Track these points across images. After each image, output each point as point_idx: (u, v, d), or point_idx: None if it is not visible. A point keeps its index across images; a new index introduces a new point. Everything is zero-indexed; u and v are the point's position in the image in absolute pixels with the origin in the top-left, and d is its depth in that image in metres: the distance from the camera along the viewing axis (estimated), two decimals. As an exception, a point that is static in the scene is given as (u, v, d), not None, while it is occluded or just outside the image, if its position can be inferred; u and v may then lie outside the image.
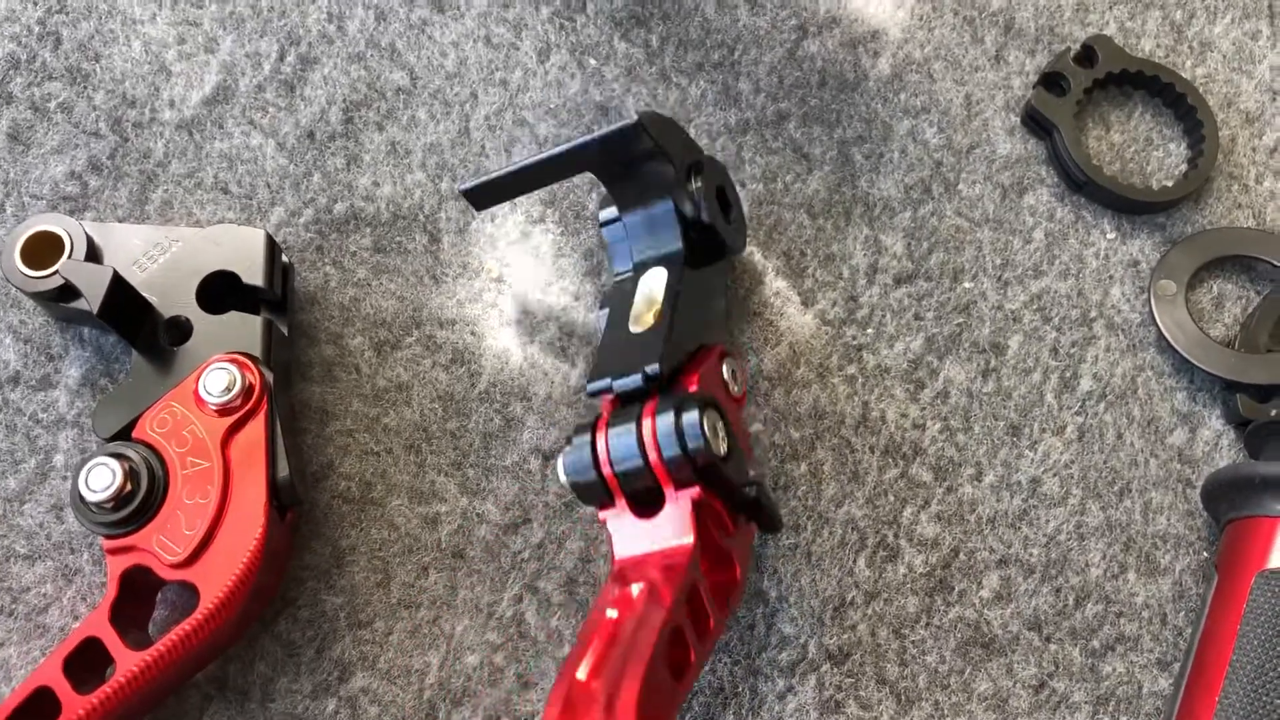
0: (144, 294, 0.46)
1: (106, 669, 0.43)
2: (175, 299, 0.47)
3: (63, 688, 0.41)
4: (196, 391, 0.44)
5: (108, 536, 0.43)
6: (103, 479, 0.42)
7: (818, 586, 0.47)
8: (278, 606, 0.46)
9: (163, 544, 0.42)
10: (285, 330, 0.48)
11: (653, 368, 0.41)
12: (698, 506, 0.40)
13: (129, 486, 0.42)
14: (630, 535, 0.41)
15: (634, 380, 0.42)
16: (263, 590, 0.44)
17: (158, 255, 0.47)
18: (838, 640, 0.47)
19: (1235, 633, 0.43)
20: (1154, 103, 0.56)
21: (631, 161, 0.44)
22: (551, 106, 0.54)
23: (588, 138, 0.43)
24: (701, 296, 0.46)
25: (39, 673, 0.41)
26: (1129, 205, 0.54)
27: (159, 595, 0.45)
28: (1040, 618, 0.48)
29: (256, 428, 0.44)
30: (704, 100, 0.54)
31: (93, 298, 0.44)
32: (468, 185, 0.46)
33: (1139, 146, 0.55)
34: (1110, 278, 0.53)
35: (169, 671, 0.42)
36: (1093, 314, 0.52)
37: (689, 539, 0.40)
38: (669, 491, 0.40)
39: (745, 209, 0.52)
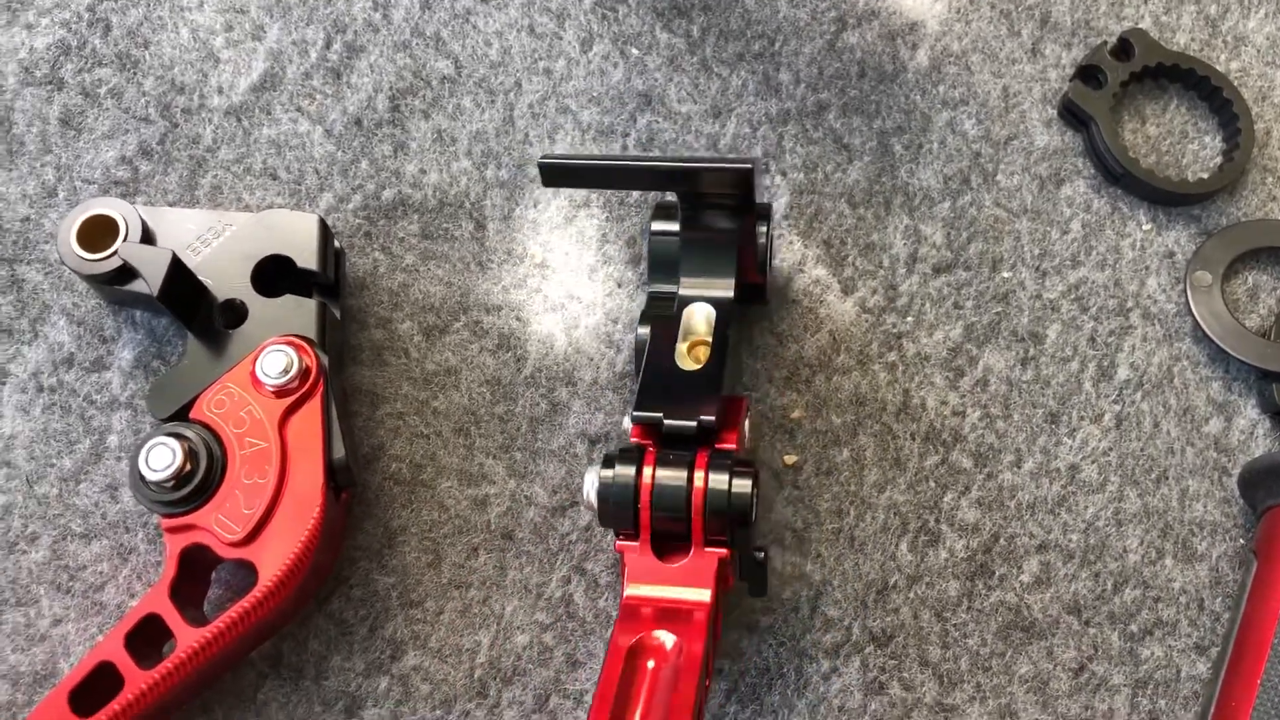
0: (199, 277, 0.46)
1: (165, 645, 0.43)
2: (229, 282, 0.47)
3: (125, 662, 0.42)
4: (254, 373, 0.44)
5: (167, 515, 0.43)
6: (163, 458, 0.43)
7: (860, 570, 0.48)
8: (331, 586, 0.46)
9: (221, 523, 0.43)
10: (338, 314, 0.48)
11: (709, 419, 0.41)
12: (721, 564, 0.41)
13: (188, 466, 0.43)
14: (646, 572, 0.41)
15: (688, 425, 0.42)
16: (319, 569, 0.44)
17: (211, 239, 0.48)
18: (881, 623, 0.47)
19: (1276, 617, 0.43)
20: (1189, 96, 0.56)
21: (716, 199, 0.44)
22: (595, 95, 0.54)
23: (697, 165, 0.43)
24: (737, 343, 0.46)
25: (101, 648, 0.42)
26: (1165, 197, 0.54)
27: (213, 574, 0.46)
28: (1079, 602, 0.48)
29: (313, 409, 0.45)
30: (745, 90, 0.54)
31: (152, 280, 0.44)
32: (550, 160, 0.43)
33: (1174, 139, 0.56)
34: (1146, 268, 0.53)
35: (228, 647, 0.42)
36: (1129, 304, 0.53)
37: (707, 593, 0.41)
38: (697, 543, 0.41)
39: (786, 199, 0.53)
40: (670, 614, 0.41)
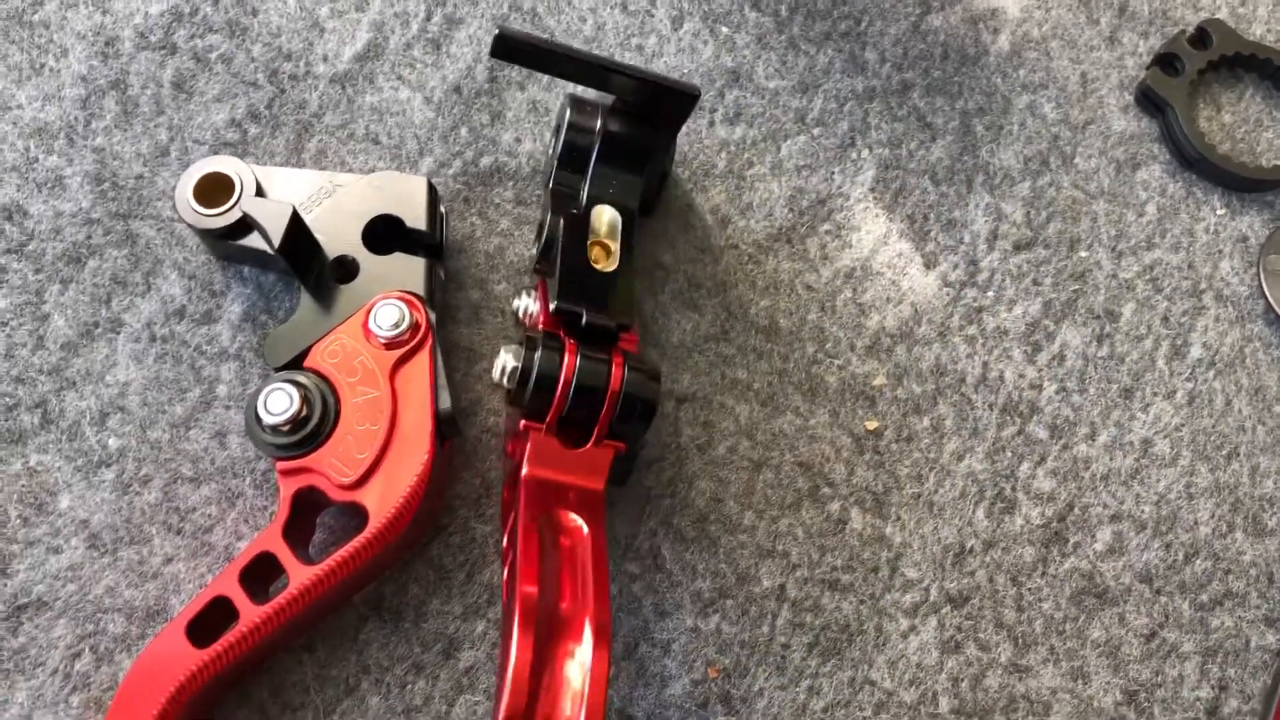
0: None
1: (275, 583, 0.45)
2: (340, 239, 0.48)
3: (239, 597, 0.43)
4: (366, 325, 0.46)
5: (282, 459, 0.45)
6: (280, 403, 0.44)
7: (939, 534, 0.49)
8: (431, 533, 0.48)
9: (335, 466, 0.44)
10: (443, 274, 0.50)
11: (626, 320, 0.44)
12: (615, 458, 0.44)
13: (304, 410, 0.44)
14: (549, 457, 0.43)
15: (607, 324, 0.44)
16: (423, 516, 0.46)
17: (321, 198, 0.49)
18: (958, 585, 0.48)
19: (1350, 586, 0.44)
20: (1265, 85, 0.57)
21: (652, 114, 0.46)
22: (685, 71, 0.55)
23: (652, 76, 0.45)
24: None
25: (216, 583, 0.43)
26: (1239, 183, 0.55)
27: (319, 520, 0.47)
28: (1151, 571, 0.49)
29: (421, 362, 0.46)
30: (831, 68, 0.55)
31: (274, 233, 0.45)
32: (507, 31, 0.43)
33: (1249, 127, 0.56)
34: (1220, 252, 0.54)
35: (336, 586, 0.43)
36: (1203, 286, 0.53)
37: (600, 483, 0.43)
38: (600, 435, 0.43)
39: (872, 173, 0.54)
40: (570, 498, 0.43)
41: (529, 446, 0.43)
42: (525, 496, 0.43)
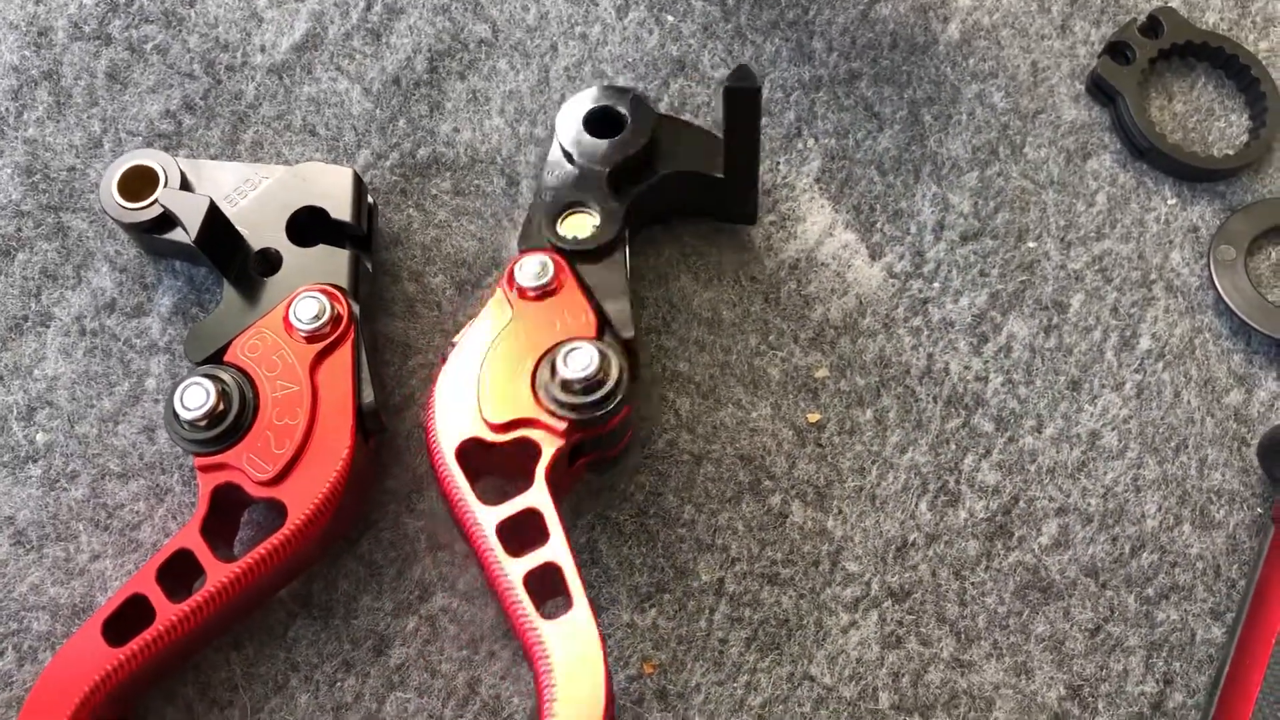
0: (236, 226, 0.46)
1: (195, 581, 0.43)
2: (265, 232, 0.46)
3: (156, 596, 0.41)
4: (287, 318, 0.44)
5: (199, 454, 0.42)
6: (197, 398, 0.42)
7: (881, 528, 0.47)
8: (361, 529, 0.46)
9: (253, 462, 0.42)
10: (369, 266, 0.47)
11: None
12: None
13: (221, 406, 0.42)
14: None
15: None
16: (346, 511, 0.43)
17: (247, 190, 0.47)
18: (899, 579, 0.46)
19: (1295, 581, 0.42)
20: (1217, 74, 0.55)
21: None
22: (630, 60, 0.53)
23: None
24: None
25: (134, 581, 0.41)
26: (1190, 173, 0.53)
27: (244, 516, 0.45)
28: (1097, 565, 0.47)
29: (343, 355, 0.44)
30: (779, 56, 0.53)
31: (190, 226, 0.43)
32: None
33: (1201, 116, 0.54)
34: (1170, 242, 0.52)
35: (256, 583, 0.41)
36: (1153, 276, 0.51)
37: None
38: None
39: (818, 163, 0.52)
40: None
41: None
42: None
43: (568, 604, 0.38)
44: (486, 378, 0.42)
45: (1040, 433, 0.49)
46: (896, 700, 0.45)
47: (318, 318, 0.43)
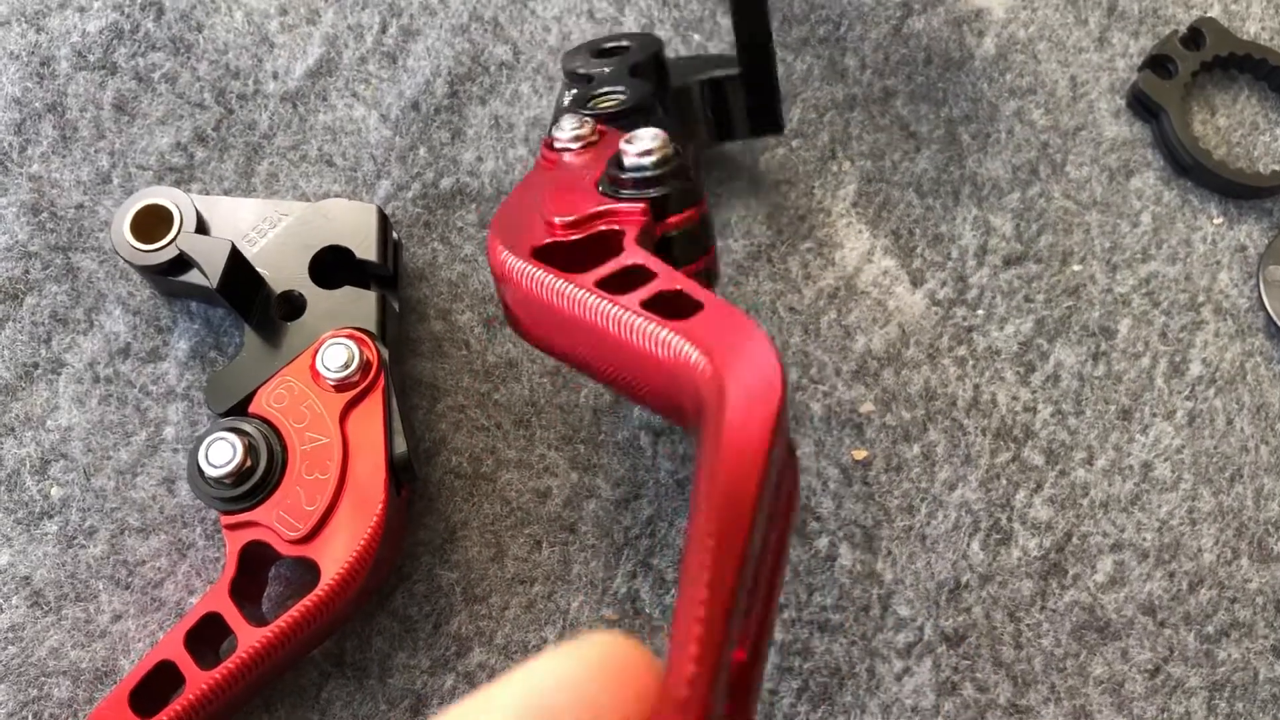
0: (256, 268, 0.43)
1: (224, 644, 0.40)
2: (286, 273, 0.44)
3: (185, 662, 0.39)
4: (314, 367, 0.41)
5: (227, 512, 0.40)
6: (223, 454, 0.40)
7: (933, 569, 0.45)
8: (393, 582, 0.43)
9: (283, 519, 0.40)
10: (396, 306, 0.45)
11: None
12: None
13: (249, 461, 0.40)
14: None
15: None
16: (381, 566, 0.41)
17: (266, 229, 0.45)
18: (953, 622, 0.44)
19: (1369, 622, 0.40)
20: (1260, 86, 0.53)
21: None
22: (656, 82, 0.50)
23: None
24: None
25: (161, 647, 0.39)
26: (1236, 189, 0.50)
27: (271, 571, 0.43)
28: (1154, 602, 0.45)
29: (374, 404, 0.41)
30: (810, 75, 0.51)
31: (211, 271, 0.41)
32: None
33: (1245, 130, 0.52)
34: (1218, 263, 0.50)
35: (290, 647, 0.39)
36: (1201, 299, 0.49)
37: None
38: None
39: (854, 186, 0.49)
40: None
41: None
42: None
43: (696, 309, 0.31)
44: (550, 195, 0.37)
45: (1092, 465, 0.47)
46: (953, 749, 0.43)
47: (347, 365, 0.41)
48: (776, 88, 0.45)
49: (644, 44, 0.45)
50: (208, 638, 0.40)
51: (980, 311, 0.48)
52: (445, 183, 0.49)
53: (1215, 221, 0.50)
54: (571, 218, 0.35)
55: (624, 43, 0.45)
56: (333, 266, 0.44)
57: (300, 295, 0.43)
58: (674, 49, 0.51)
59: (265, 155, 0.49)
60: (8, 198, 0.47)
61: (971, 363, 0.47)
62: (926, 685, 0.43)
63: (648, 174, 0.36)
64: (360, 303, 0.43)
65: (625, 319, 0.31)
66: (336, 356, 0.41)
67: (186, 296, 0.46)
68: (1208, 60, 0.52)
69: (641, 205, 0.35)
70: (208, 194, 0.47)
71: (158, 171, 0.48)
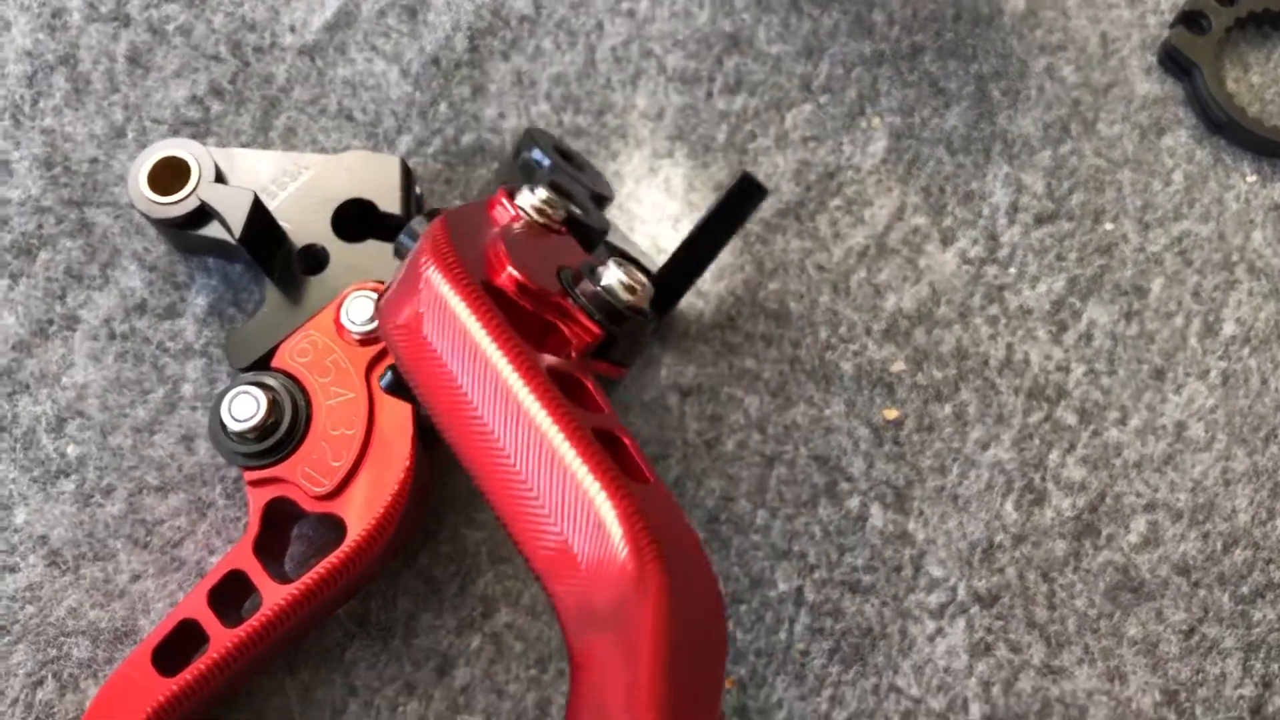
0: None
1: (247, 602, 0.39)
2: (308, 227, 0.43)
3: (209, 620, 0.38)
4: (338, 319, 0.40)
5: (250, 468, 0.39)
6: (246, 408, 0.38)
7: (965, 530, 0.44)
8: (419, 541, 0.42)
9: (308, 475, 0.39)
10: (420, 260, 0.44)
11: None
12: None
13: (273, 416, 0.39)
14: None
15: None
16: (407, 524, 0.40)
17: (287, 182, 0.43)
18: (986, 583, 0.43)
19: None
20: (1294, 43, 0.52)
21: None
22: (680, 38, 0.49)
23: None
24: None
25: (184, 605, 0.38)
26: (1271, 148, 0.50)
27: (295, 530, 0.42)
28: (1189, 563, 0.44)
29: (400, 358, 0.40)
30: (837, 30, 0.50)
31: (233, 222, 0.40)
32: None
33: (1279, 88, 0.51)
34: (1251, 221, 0.49)
35: (315, 605, 0.38)
36: (1234, 258, 0.48)
37: None
38: None
39: (884, 143, 0.48)
40: None
41: None
42: None
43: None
44: (516, 245, 0.34)
45: (1125, 425, 0.46)
46: (988, 711, 0.42)
47: (372, 319, 0.40)
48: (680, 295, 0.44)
49: (601, 185, 0.44)
50: (231, 596, 0.39)
51: (1012, 270, 0.47)
52: (466, 139, 0.47)
53: (1249, 180, 0.50)
54: (533, 286, 0.32)
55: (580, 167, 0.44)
56: (355, 220, 0.43)
57: (323, 249, 0.42)
58: (698, 2, 0.50)
59: (283, 109, 0.47)
60: (20, 151, 0.46)
61: (1004, 321, 0.46)
62: (959, 646, 0.43)
63: (615, 304, 0.34)
64: (383, 256, 0.42)
65: (565, 451, 0.26)
66: (362, 310, 0.40)
67: (205, 252, 0.45)
68: (1241, 16, 0.51)
69: (598, 329, 0.33)
70: (225, 148, 0.46)
71: (173, 125, 0.47)
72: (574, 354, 0.33)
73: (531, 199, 0.37)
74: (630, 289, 0.34)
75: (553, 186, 0.38)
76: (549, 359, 0.30)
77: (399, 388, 0.34)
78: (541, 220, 0.37)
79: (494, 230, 0.35)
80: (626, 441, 0.29)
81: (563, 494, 0.27)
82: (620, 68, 0.49)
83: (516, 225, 0.36)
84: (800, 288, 0.47)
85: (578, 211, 0.38)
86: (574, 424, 0.27)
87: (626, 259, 0.39)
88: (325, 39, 0.48)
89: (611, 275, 0.34)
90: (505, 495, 0.28)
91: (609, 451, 0.28)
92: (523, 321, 0.32)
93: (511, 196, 0.37)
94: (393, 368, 0.35)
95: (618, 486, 0.26)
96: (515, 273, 0.32)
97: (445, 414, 0.30)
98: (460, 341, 0.29)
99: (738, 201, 0.41)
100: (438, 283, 0.30)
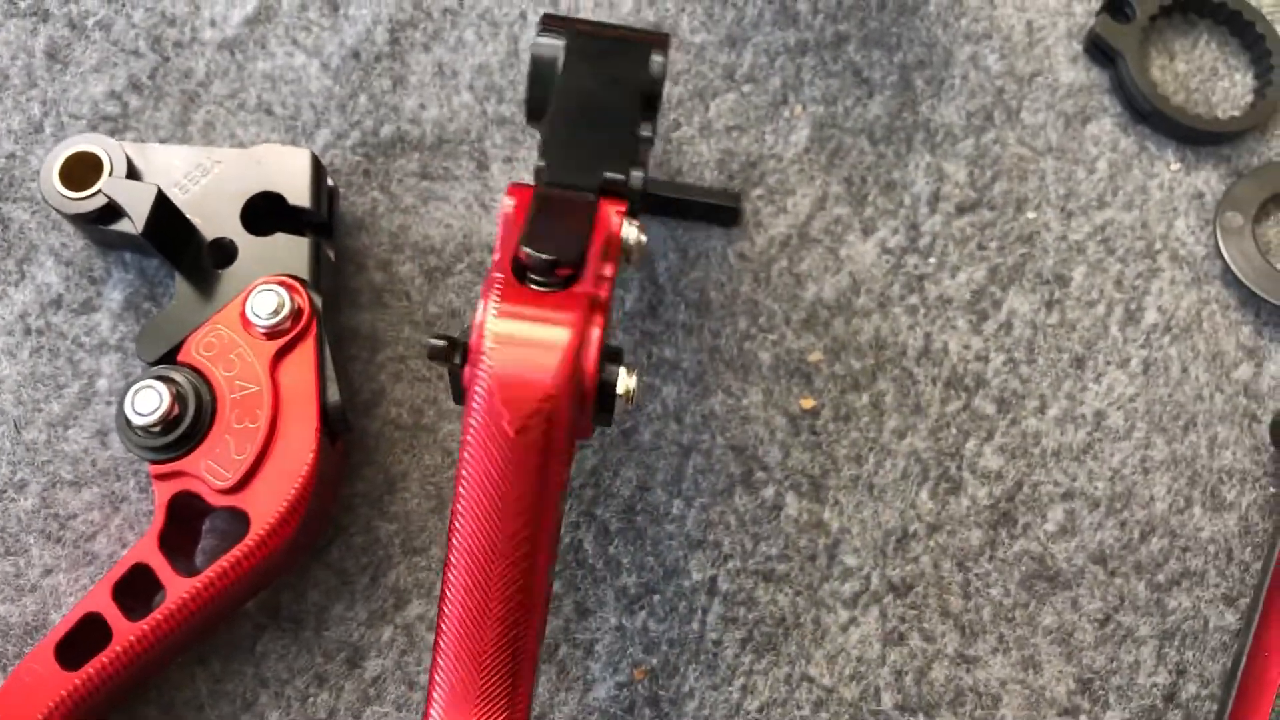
0: (187, 215, 0.42)
1: (155, 596, 0.39)
2: (219, 221, 0.42)
3: (113, 614, 0.37)
4: (244, 314, 0.40)
5: (155, 461, 0.39)
6: (149, 402, 0.38)
7: (880, 519, 0.44)
8: (330, 534, 0.42)
9: (211, 469, 0.38)
10: (331, 255, 0.44)
11: None
12: None
13: (176, 409, 0.38)
14: None
15: None
16: (314, 518, 0.40)
17: (199, 176, 0.43)
18: (900, 572, 0.43)
19: (1317, 567, 0.39)
20: (1220, 31, 0.51)
21: None
22: (603, 28, 0.49)
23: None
24: None
25: (88, 599, 0.38)
26: (1194, 136, 0.49)
27: (206, 524, 0.41)
28: (1105, 551, 0.44)
29: (306, 352, 0.40)
30: (761, 19, 0.49)
31: (137, 216, 0.39)
32: None
33: (1204, 76, 0.51)
34: (1175, 209, 0.48)
35: (220, 598, 0.38)
36: (1157, 246, 0.48)
37: None
38: None
39: (806, 133, 0.48)
40: None
41: None
42: None
43: None
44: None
45: (1044, 414, 0.45)
46: (900, 700, 0.42)
47: (276, 312, 0.39)
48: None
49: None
50: (137, 590, 0.38)
51: (932, 260, 0.47)
52: (386, 130, 0.47)
53: (1173, 168, 0.49)
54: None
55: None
56: (266, 213, 0.42)
57: (232, 242, 0.42)
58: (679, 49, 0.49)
59: (202, 104, 0.47)
60: (-63, 147, 0.45)
61: (923, 311, 0.46)
62: (873, 635, 0.42)
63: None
64: (293, 249, 0.42)
65: None
66: (266, 303, 0.40)
67: (121, 247, 0.45)
68: (1166, 4, 0.50)
69: None
70: (142, 143, 0.45)
71: (91, 120, 0.46)
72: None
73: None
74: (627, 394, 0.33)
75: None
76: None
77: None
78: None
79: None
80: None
81: None
82: (544, 59, 0.48)
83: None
84: (721, 276, 0.46)
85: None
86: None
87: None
88: (245, 33, 0.48)
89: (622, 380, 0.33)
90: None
91: None
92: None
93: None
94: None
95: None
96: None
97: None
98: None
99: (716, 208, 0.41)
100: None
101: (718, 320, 0.46)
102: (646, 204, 0.44)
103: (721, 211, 0.46)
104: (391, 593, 0.42)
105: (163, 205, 0.40)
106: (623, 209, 0.35)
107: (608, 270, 0.33)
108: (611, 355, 0.33)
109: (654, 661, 0.42)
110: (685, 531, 0.43)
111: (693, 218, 0.47)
